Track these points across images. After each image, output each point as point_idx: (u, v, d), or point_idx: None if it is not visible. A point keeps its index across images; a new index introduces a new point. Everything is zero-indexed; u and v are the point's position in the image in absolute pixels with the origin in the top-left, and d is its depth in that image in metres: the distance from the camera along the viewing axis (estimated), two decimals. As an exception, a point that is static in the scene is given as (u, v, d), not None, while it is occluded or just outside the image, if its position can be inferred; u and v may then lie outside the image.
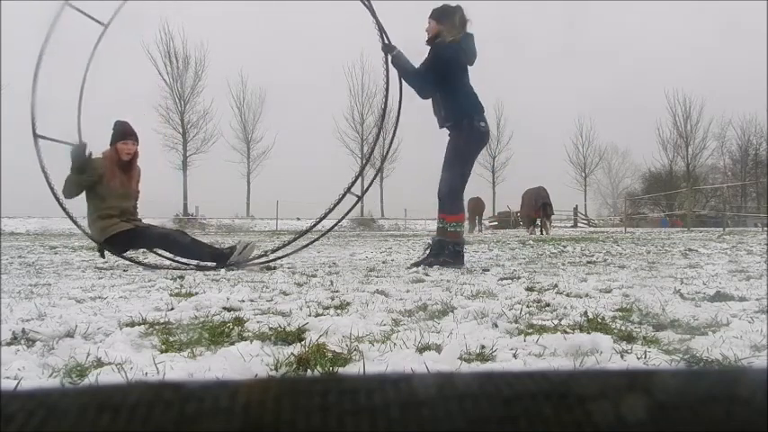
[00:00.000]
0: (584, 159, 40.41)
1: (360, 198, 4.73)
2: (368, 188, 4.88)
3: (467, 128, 4.43)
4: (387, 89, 4.57)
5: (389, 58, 4.55)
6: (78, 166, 4.54)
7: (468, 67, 4.57)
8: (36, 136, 4.59)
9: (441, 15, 4.51)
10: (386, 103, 4.64)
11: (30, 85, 4.61)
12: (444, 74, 4.45)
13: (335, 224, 4.99)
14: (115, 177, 4.63)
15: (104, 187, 4.60)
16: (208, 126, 33.10)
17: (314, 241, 5.11)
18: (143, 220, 4.92)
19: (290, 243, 4.70)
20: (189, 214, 29.84)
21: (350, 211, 4.84)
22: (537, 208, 17.65)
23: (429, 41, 4.54)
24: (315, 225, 4.76)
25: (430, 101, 4.61)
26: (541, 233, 16.59)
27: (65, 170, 4.62)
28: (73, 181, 4.57)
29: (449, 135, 4.53)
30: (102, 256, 4.66)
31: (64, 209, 4.67)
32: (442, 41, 4.44)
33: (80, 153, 4.57)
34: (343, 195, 4.55)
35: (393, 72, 4.59)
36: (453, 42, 4.41)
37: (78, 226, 4.80)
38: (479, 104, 4.54)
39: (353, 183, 4.64)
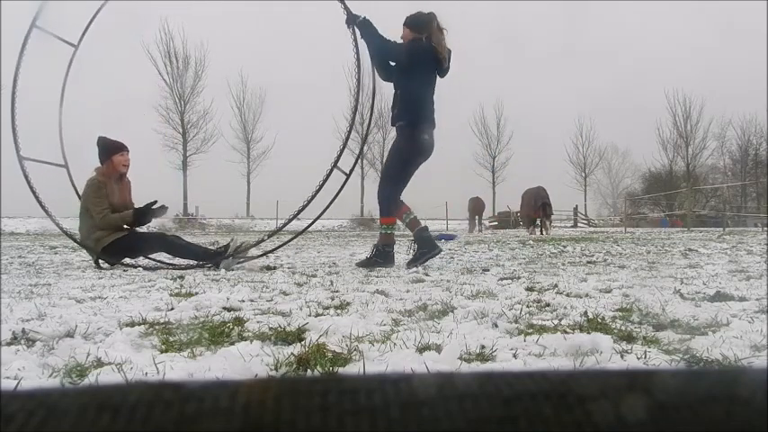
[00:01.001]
0: (584, 159, 40.41)
1: (348, 175, 4.68)
2: (354, 165, 4.89)
3: (412, 135, 4.45)
4: (358, 65, 4.54)
5: (356, 29, 4.50)
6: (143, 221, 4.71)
7: (438, 81, 4.55)
8: (21, 158, 4.64)
9: (414, 23, 4.50)
10: (359, 79, 4.59)
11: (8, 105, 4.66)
12: (409, 69, 4.43)
13: (328, 206, 4.92)
14: (114, 193, 4.65)
15: (90, 214, 4.61)
16: (208, 126, 33.12)
17: (306, 228, 5.10)
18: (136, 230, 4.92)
19: (280, 229, 4.74)
20: (189, 214, 29.84)
21: (341, 189, 4.77)
22: (536, 208, 17.63)
23: None
24: (305, 207, 4.68)
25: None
26: (541, 233, 16.59)
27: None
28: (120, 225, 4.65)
29: (396, 135, 4.57)
30: (99, 266, 4.63)
31: (58, 226, 4.73)
32: (420, 40, 4.44)
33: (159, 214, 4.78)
34: (330, 171, 4.52)
35: (363, 47, 4.53)
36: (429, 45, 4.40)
37: (74, 239, 4.82)
38: (432, 118, 4.55)
39: (339, 157, 4.60)
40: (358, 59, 4.54)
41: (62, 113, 5.23)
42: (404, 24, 4.55)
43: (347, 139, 4.74)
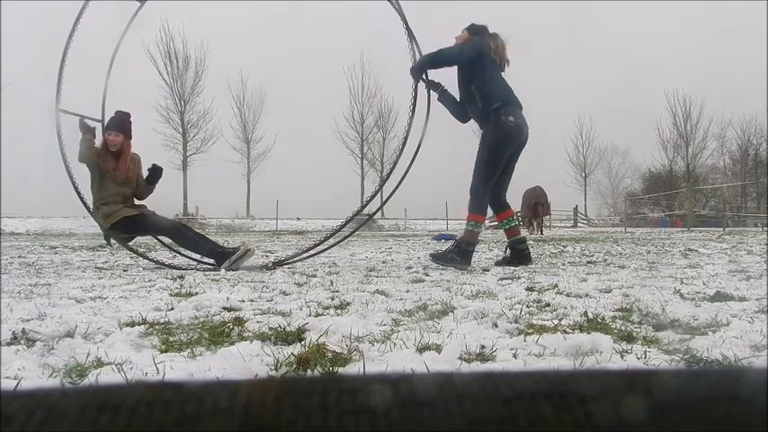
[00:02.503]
0: (584, 159, 40.46)
1: (370, 216, 4.75)
2: (380, 208, 4.90)
3: (492, 124, 4.32)
4: (412, 116, 4.54)
5: (434, 94, 4.55)
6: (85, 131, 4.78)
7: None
8: (59, 110, 4.70)
9: (475, 32, 4.49)
10: (408, 131, 4.56)
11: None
12: (477, 60, 4.37)
13: (343, 239, 5.00)
14: (108, 164, 4.74)
15: (103, 175, 4.72)
16: (208, 126, 33.17)
17: (318, 253, 5.08)
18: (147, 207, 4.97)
19: (295, 260, 4.72)
20: (189, 214, 29.82)
21: (360, 227, 4.85)
22: (529, 207, 17.61)
23: None
24: (323, 241, 4.74)
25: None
26: (531, 233, 16.56)
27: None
28: (82, 141, 4.74)
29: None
30: (109, 243, 4.71)
31: (79, 195, 4.75)
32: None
33: (84, 125, 4.82)
34: (354, 215, 4.58)
35: (420, 98, 4.56)
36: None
37: (89, 211, 4.85)
38: (511, 99, 4.38)
39: (367, 203, 4.66)
40: (413, 112, 4.53)
41: (110, 73, 5.25)
42: (464, 29, 4.56)
43: (380, 190, 4.73)
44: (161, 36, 31.97)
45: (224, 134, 34.14)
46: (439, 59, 4.46)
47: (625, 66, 55.95)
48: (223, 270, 4.18)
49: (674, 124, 39.45)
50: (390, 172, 4.64)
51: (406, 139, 4.55)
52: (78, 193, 4.75)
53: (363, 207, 4.69)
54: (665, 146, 40.03)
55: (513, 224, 4.54)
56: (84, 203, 4.80)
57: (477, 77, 4.40)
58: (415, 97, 4.53)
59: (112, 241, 4.82)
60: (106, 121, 4.99)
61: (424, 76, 4.58)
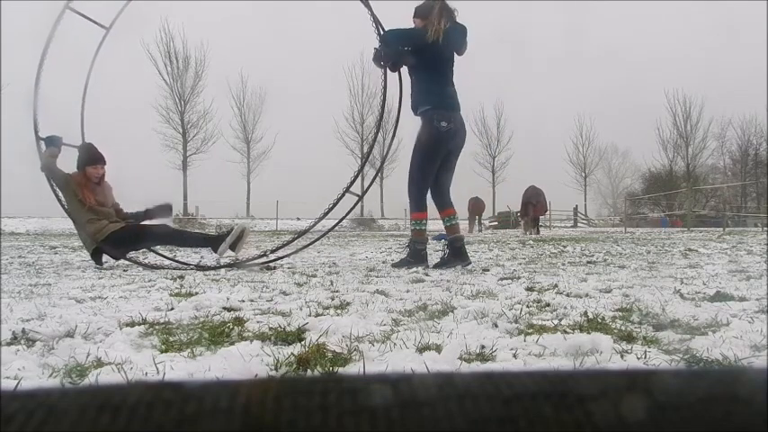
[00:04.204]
0: (584, 159, 40.48)
1: (360, 198, 4.73)
2: (368, 188, 4.86)
3: (427, 124, 4.34)
4: (384, 87, 4.53)
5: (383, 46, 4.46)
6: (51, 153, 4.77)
7: (456, 59, 4.44)
8: (38, 138, 4.67)
9: (422, 12, 4.44)
10: (384, 102, 4.59)
11: (31, 87, 4.65)
12: (416, 54, 4.33)
13: (336, 224, 4.98)
14: (90, 196, 4.72)
15: (82, 205, 4.69)
16: (208, 126, 33.16)
17: (314, 241, 5.11)
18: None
19: (289, 243, 4.70)
20: (189, 214, 29.83)
21: (350, 210, 4.83)
22: (522, 206, 17.62)
23: None
24: (314, 225, 4.74)
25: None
26: (527, 232, 16.58)
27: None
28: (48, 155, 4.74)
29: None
30: (99, 263, 4.65)
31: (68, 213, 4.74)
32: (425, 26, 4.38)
33: (56, 141, 4.81)
34: (342, 195, 4.53)
35: (390, 73, 4.53)
36: (436, 34, 4.30)
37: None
38: (446, 102, 4.38)
39: (352, 182, 4.63)
40: (385, 82, 4.51)
41: (85, 98, 5.28)
42: (413, 17, 4.50)
43: (362, 166, 4.73)
44: (161, 36, 31.99)
45: (224, 134, 34.17)
46: (386, 46, 4.40)
47: (625, 66, 56.03)
48: (223, 270, 4.18)
49: (674, 124, 39.51)
50: (369, 151, 4.65)
51: (381, 114, 4.62)
52: (69, 214, 4.75)
53: (348, 187, 4.62)
54: (665, 146, 40.08)
55: (453, 222, 4.55)
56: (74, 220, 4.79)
57: (416, 73, 4.40)
58: (384, 72, 4.51)
59: (106, 259, 4.73)
60: (83, 153, 4.89)
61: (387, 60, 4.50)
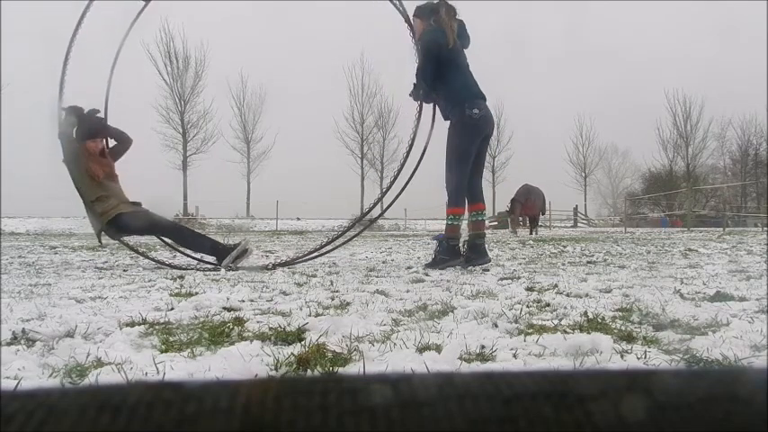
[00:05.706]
0: (584, 159, 40.46)
1: (372, 222, 4.74)
2: (381, 214, 4.89)
3: (458, 118, 4.33)
4: (419, 114, 4.55)
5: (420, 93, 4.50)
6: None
7: (466, 54, 4.47)
8: (61, 109, 4.69)
9: (422, 13, 4.45)
10: (413, 139, 4.56)
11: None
12: (436, 61, 4.33)
13: (344, 243, 4.99)
14: (97, 169, 4.65)
15: (92, 181, 4.64)
16: (208, 126, 33.14)
17: (320, 255, 5.08)
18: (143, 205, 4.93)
19: (295, 261, 4.70)
20: (189, 214, 29.81)
21: (361, 232, 4.85)
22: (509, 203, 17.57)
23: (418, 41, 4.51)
24: (324, 246, 4.74)
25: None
26: (513, 230, 16.58)
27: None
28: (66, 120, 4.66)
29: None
30: (100, 242, 4.62)
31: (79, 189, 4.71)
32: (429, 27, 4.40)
33: (77, 111, 4.71)
34: (354, 223, 4.58)
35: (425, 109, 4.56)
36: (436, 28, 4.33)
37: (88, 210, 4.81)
38: (473, 91, 4.39)
39: (369, 211, 4.65)
40: (418, 121, 4.54)
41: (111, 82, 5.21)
42: (413, 17, 4.52)
43: (382, 197, 4.73)
44: (161, 36, 31.95)
45: (224, 134, 34.15)
46: (423, 82, 4.43)
47: (625, 66, 56.01)
48: (223, 270, 4.18)
49: (674, 124, 39.48)
50: (393, 181, 4.65)
51: (410, 146, 4.59)
52: (79, 191, 4.71)
53: (365, 215, 4.68)
54: (665, 146, 40.06)
55: (480, 218, 4.51)
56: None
57: (442, 83, 4.40)
58: (420, 111, 4.55)
59: (106, 240, 4.69)
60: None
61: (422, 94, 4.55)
